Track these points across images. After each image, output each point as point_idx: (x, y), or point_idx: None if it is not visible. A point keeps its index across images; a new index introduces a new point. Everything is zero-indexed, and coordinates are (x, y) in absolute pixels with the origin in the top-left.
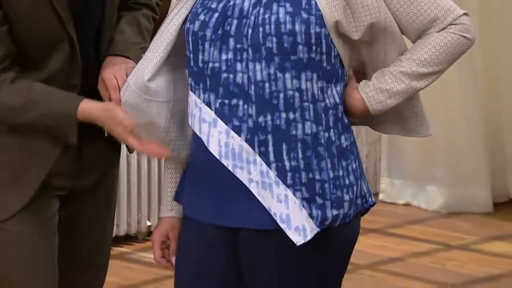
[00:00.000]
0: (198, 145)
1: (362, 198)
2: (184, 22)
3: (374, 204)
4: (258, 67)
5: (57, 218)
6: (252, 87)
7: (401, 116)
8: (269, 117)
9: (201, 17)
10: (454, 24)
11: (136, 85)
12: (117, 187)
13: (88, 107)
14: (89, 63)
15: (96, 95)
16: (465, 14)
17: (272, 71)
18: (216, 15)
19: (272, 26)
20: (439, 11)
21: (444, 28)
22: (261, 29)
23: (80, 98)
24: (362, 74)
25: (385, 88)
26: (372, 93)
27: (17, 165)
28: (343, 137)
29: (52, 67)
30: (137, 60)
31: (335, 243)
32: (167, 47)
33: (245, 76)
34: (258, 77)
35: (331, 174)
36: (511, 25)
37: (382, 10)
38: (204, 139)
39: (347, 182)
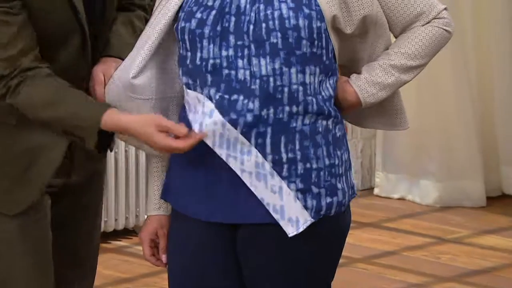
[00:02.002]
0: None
1: (352, 189)
2: (173, 20)
3: (355, 196)
4: (262, 62)
5: (49, 215)
6: (257, 81)
7: (381, 110)
8: (271, 111)
9: (198, 15)
10: (437, 18)
11: (121, 82)
12: (104, 183)
13: (118, 117)
14: (93, 53)
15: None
16: (445, 8)
17: (277, 66)
18: (214, 12)
19: (276, 22)
20: (424, 5)
21: (428, 22)
22: (264, 25)
23: (107, 105)
24: (344, 68)
25: (377, 81)
26: (365, 85)
27: (25, 160)
28: (337, 127)
29: (63, 59)
30: None
31: (332, 232)
32: (152, 44)
33: (247, 72)
34: (263, 72)
35: (327, 162)
36: (504, 21)
37: (374, 3)
38: (196, 127)
39: (340, 171)
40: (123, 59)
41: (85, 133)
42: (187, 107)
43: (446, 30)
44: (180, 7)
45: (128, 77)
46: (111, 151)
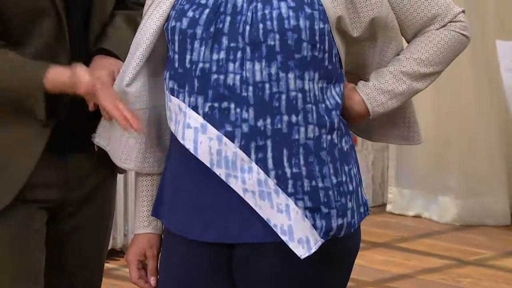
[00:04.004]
0: (182, 154)
1: (364, 206)
2: (165, 22)
3: (368, 214)
4: (257, 66)
5: (44, 232)
6: (250, 88)
7: (392, 123)
8: (268, 121)
9: (190, 13)
10: (453, 22)
11: (118, 90)
12: (113, 203)
13: (57, 71)
14: (77, 42)
15: None
16: (463, 11)
17: (273, 71)
18: (207, 11)
19: (275, 22)
20: (439, 7)
21: (444, 26)
22: (261, 25)
23: (49, 64)
24: (351, 75)
25: (387, 89)
26: (373, 94)
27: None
28: (343, 140)
29: (37, 44)
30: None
31: (339, 253)
32: (148, 48)
33: (237, 77)
34: (258, 78)
35: (334, 180)
36: None
37: (384, 5)
38: (190, 146)
39: (350, 188)
40: (116, 54)
41: (31, 100)
42: (168, 115)
43: (463, 35)
44: (173, 7)
45: (122, 85)
46: (120, 173)
